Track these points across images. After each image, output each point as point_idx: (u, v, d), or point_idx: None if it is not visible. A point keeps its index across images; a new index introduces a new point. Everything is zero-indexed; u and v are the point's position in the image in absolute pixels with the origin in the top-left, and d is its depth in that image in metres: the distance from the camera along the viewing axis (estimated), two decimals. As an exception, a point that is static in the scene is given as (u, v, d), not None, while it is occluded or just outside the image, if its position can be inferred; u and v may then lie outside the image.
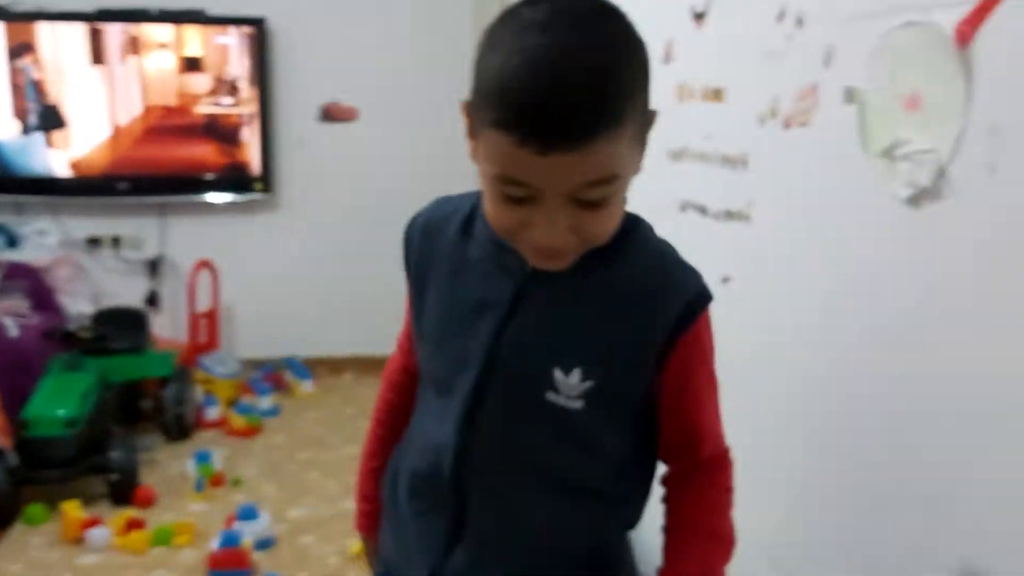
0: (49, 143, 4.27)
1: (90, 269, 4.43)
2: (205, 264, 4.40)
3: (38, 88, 4.22)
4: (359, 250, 4.62)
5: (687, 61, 1.97)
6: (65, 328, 3.49)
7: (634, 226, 1.00)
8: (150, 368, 3.76)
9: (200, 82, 4.42)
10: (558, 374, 0.97)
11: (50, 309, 3.93)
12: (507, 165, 0.84)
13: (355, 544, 2.87)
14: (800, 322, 1.52)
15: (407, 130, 4.57)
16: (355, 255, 4.64)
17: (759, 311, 1.62)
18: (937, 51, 1.12)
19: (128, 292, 4.38)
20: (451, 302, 1.04)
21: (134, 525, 2.93)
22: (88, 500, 3.12)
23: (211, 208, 4.52)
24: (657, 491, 1.09)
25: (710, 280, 1.00)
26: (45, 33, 4.19)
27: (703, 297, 0.99)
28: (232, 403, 4.12)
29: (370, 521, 1.27)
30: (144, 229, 4.49)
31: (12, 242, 4.15)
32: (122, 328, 3.77)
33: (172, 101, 4.40)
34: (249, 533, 2.84)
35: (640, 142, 0.90)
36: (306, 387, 4.40)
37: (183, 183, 4.46)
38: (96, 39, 4.25)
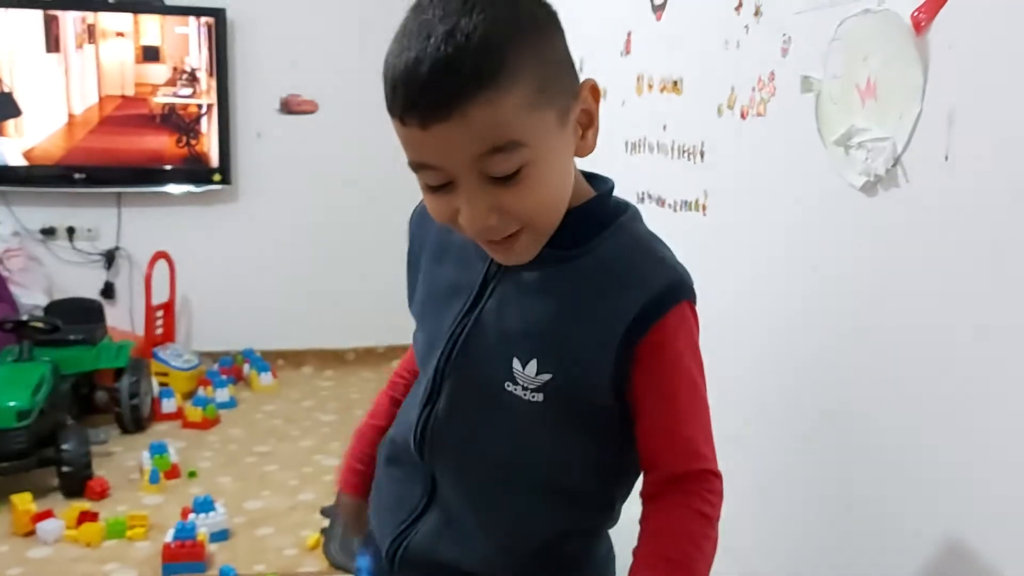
0: (2, 132, 4.20)
1: (44, 260, 4.36)
2: (162, 256, 4.35)
3: (-9, 75, 4.14)
4: (318, 243, 4.61)
5: (646, 53, 1.99)
6: (17, 318, 3.41)
7: (613, 215, 0.98)
8: (104, 360, 3.70)
9: (158, 72, 4.38)
10: (516, 364, 0.95)
11: (2, 300, 3.87)
12: (408, 151, 0.87)
13: (312, 536, 2.86)
14: (759, 312, 1.53)
15: (366, 124, 4.42)
16: (314, 248, 4.62)
17: (718, 303, 1.64)
18: (893, 39, 1.13)
19: (83, 284, 4.31)
20: (432, 284, 1.06)
21: (87, 518, 2.88)
22: (39, 493, 3.07)
23: (168, 199, 4.47)
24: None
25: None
26: (-1, 19, 4.12)
27: (673, 294, 0.94)
28: (189, 396, 4.08)
29: (357, 481, 1.23)
30: (100, 220, 4.43)
31: (-37, 231, 4.07)
32: (77, 319, 3.71)
33: (129, 91, 4.35)
34: (204, 525, 2.81)
35: (553, 111, 0.88)
36: (264, 380, 4.36)
37: (140, 174, 4.41)
38: (52, 26, 4.18)
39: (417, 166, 0.88)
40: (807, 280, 1.38)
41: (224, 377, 4.30)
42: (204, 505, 2.91)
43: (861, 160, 1.20)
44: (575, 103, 0.92)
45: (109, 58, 4.28)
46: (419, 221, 1.12)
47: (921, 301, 1.12)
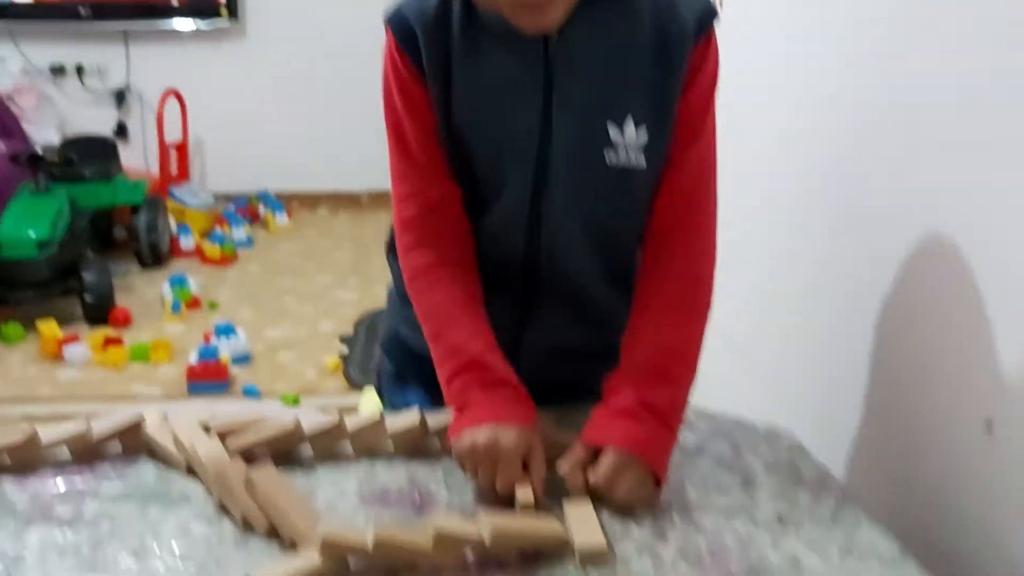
0: (5, -36, 4.08)
1: (55, 99, 4.31)
2: (173, 93, 4.28)
3: (-12, -98, 4.00)
4: (331, 84, 4.51)
5: None
6: (32, 151, 3.41)
7: None
8: (120, 195, 3.71)
9: (161, -100, 4.21)
10: (613, 131, 0.97)
11: (15, 136, 3.84)
12: None
13: (332, 359, 2.93)
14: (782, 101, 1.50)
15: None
16: (327, 89, 4.53)
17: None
18: None
19: (95, 123, 4.26)
20: (479, 86, 0.99)
21: (112, 342, 2.96)
22: (64, 321, 3.13)
23: (177, 37, 4.38)
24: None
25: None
26: None
27: (708, 10, 0.98)
28: (206, 234, 4.10)
29: (519, 396, 0.98)
30: (109, 58, 4.35)
31: (-29, 68, 4.02)
32: (91, 156, 3.70)
33: (131, -79, 4.19)
34: (227, 349, 2.88)
35: None
36: (280, 220, 4.37)
37: (146, 8, 4.31)
38: None
39: None
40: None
41: (240, 217, 4.32)
42: (226, 330, 2.97)
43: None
44: None
45: None
46: (427, 31, 0.98)
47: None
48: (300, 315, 3.36)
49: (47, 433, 1.00)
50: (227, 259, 3.88)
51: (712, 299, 1.02)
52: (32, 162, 3.31)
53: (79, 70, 4.32)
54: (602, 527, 0.87)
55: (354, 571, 0.82)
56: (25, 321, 3.10)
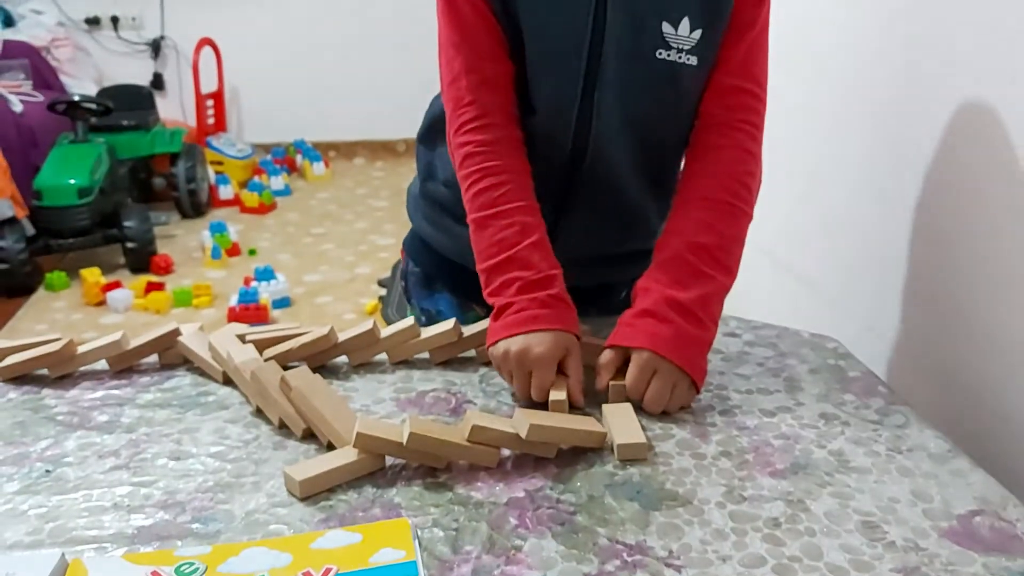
0: (37, -85, 4.08)
1: (91, 50, 4.33)
2: (207, 42, 4.28)
3: None
4: (366, 32, 4.48)
5: None
6: (68, 98, 3.42)
7: None
8: (159, 145, 3.74)
9: None
10: (667, 27, 0.95)
11: (53, 88, 3.87)
12: None
13: (371, 302, 2.93)
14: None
15: None
16: (361, 38, 4.50)
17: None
18: None
19: (132, 74, 4.28)
20: None
21: (154, 287, 2.99)
22: (107, 269, 3.17)
23: (209, -15, 4.37)
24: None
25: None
26: None
27: None
28: (244, 184, 4.11)
29: (557, 299, 0.94)
30: (143, 8, 4.35)
31: (8, 21, 4.04)
32: (128, 105, 3.72)
33: None
34: (267, 292, 2.89)
35: None
36: (317, 169, 4.37)
37: (180, -42, 4.29)
38: None
39: None
40: None
41: (278, 166, 4.32)
42: (265, 274, 2.98)
43: None
44: None
45: None
46: None
47: None
48: (338, 260, 3.37)
49: (85, 345, 1.01)
50: (265, 208, 3.90)
51: (755, 201, 0.99)
52: (70, 111, 3.33)
53: (114, 21, 4.33)
54: (642, 427, 0.86)
55: (390, 468, 0.81)
56: (69, 269, 3.14)
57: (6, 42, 3.74)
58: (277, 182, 4.15)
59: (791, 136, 1.54)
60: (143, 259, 3.21)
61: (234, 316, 2.74)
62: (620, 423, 0.86)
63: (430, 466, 0.81)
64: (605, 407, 0.89)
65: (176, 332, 1.03)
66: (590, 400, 0.91)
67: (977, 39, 1.05)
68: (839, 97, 1.44)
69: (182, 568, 0.65)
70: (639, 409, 0.90)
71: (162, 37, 4.38)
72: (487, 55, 0.99)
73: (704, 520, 0.73)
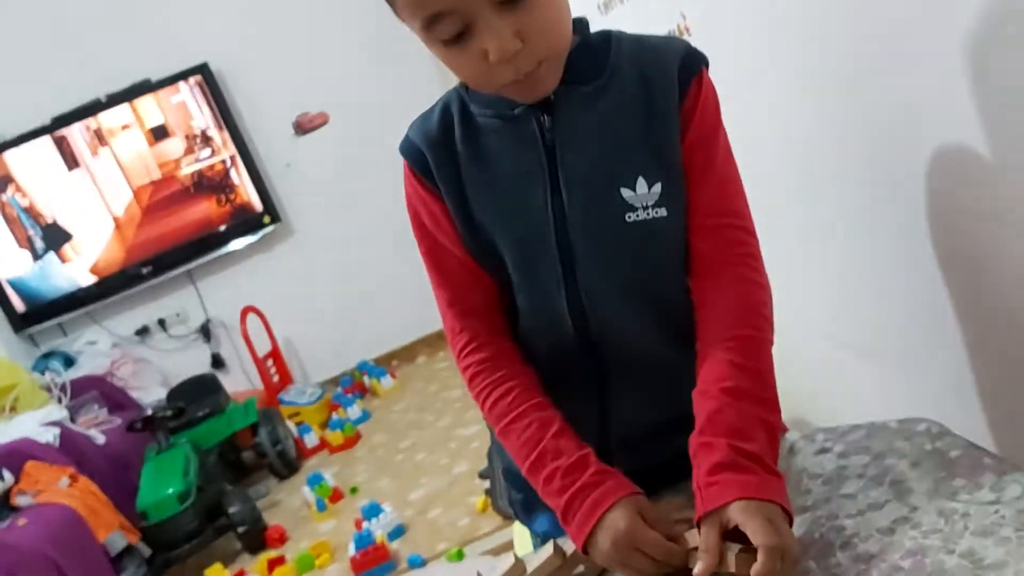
0: (63, 259, 4.36)
1: (150, 357, 4.53)
2: (251, 310, 4.46)
3: (31, 213, 4.31)
4: (383, 239, 4.62)
5: None
6: (144, 415, 3.57)
7: (607, 34, 1.03)
8: (236, 422, 3.84)
9: (173, 147, 4.47)
10: (627, 192, 0.98)
11: (127, 408, 4.04)
12: (420, 8, 0.88)
13: (480, 499, 2.91)
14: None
15: (379, 115, 4.48)
16: (381, 244, 4.64)
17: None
18: None
19: (193, 364, 4.47)
20: (492, 185, 1.02)
21: (276, 563, 3.01)
22: (228, 559, 3.22)
23: (233, 258, 4.59)
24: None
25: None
26: (15, 160, 4.27)
27: (692, 55, 1.00)
28: (325, 425, 4.19)
29: (620, 479, 0.95)
30: (183, 301, 4.58)
31: (70, 362, 4.26)
32: (198, 397, 3.86)
33: (156, 175, 4.46)
34: (379, 528, 2.90)
35: None
36: (386, 384, 4.45)
37: (199, 245, 4.53)
38: (63, 146, 4.31)
39: (432, 20, 0.88)
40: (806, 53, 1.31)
41: (350, 396, 4.41)
42: (372, 511, 2.99)
43: None
44: None
45: (126, 153, 4.39)
46: (433, 149, 1.03)
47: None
48: (434, 466, 3.37)
49: None
50: (351, 440, 3.95)
51: (773, 323, 0.98)
52: (147, 425, 3.46)
53: (161, 323, 4.54)
54: None
55: None
56: (196, 574, 3.19)
57: (73, 382, 3.93)
58: (354, 411, 4.22)
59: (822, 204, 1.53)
60: (257, 538, 3.26)
61: (357, 564, 2.74)
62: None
63: None
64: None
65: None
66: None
67: None
68: (865, 175, 1.44)
69: None
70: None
71: (208, 320, 4.58)
72: (465, 287, 1.06)
73: None
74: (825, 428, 1.10)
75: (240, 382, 4.52)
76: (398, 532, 2.93)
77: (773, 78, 1.47)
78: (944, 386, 1.28)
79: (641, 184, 0.97)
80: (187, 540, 3.19)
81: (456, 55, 0.91)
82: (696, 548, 0.86)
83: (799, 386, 1.54)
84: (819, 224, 1.54)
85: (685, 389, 1.01)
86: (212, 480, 3.46)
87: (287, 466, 3.85)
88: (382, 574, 2.72)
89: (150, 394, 4.21)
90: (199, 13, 4.41)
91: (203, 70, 4.40)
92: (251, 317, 4.46)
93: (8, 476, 3.09)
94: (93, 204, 4.36)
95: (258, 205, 4.53)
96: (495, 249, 1.03)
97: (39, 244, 4.33)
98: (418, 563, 2.69)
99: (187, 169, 4.47)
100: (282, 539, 3.25)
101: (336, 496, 3.40)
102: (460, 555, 2.66)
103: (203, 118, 4.45)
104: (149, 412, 3.59)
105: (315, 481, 3.46)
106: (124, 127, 4.38)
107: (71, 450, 3.36)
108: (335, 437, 3.96)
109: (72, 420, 3.61)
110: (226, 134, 4.46)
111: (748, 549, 0.84)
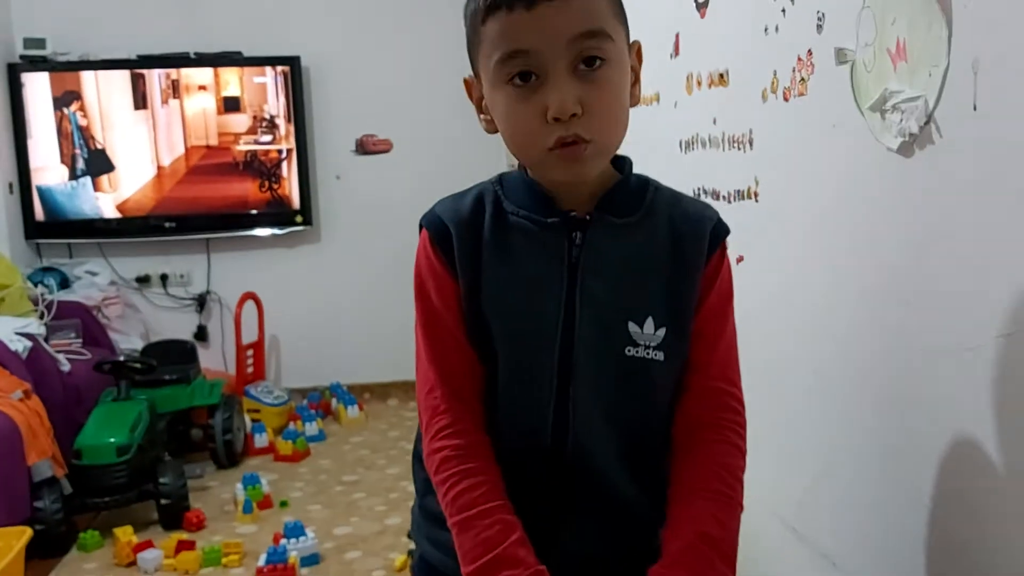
0: (97, 187, 4.43)
1: (140, 306, 4.57)
2: (250, 297, 4.50)
3: (84, 134, 4.39)
4: (400, 279, 4.66)
5: (693, 51, 2.01)
6: (115, 359, 3.58)
7: (646, 179, 1.09)
8: (198, 397, 3.84)
9: (239, 121, 4.56)
10: (633, 328, 1.02)
11: (102, 345, 4.05)
12: (504, 42, 0.95)
13: (400, 557, 2.90)
14: (813, 287, 1.52)
15: (438, 158, 4.60)
16: (396, 284, 4.65)
17: (774, 286, 1.63)
18: (917, -2, 1.13)
19: (177, 327, 4.51)
20: (506, 280, 1.04)
21: (184, 547, 2.98)
22: (140, 526, 3.19)
23: (255, 242, 4.64)
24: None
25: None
26: (89, 81, 4.37)
27: (722, 224, 1.08)
28: (280, 431, 4.19)
29: None
30: (191, 266, 4.62)
31: (65, 283, 4.29)
32: (171, 360, 3.87)
33: (213, 141, 4.54)
34: (295, 550, 2.88)
35: (624, 32, 1.00)
36: (352, 413, 4.45)
37: (227, 219, 4.59)
38: (139, 84, 4.41)
39: (511, 56, 0.95)
40: (855, 249, 1.37)
41: (313, 411, 4.41)
42: (295, 530, 2.98)
43: (896, 122, 1.20)
44: (631, 49, 1.02)
45: (193, 111, 4.49)
46: (460, 227, 1.05)
47: (963, 250, 1.10)
48: (369, 510, 3.36)
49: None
50: (299, 455, 3.94)
51: (743, 493, 1.03)
52: (114, 370, 3.47)
53: (163, 279, 4.58)
54: None
55: None
56: (102, 527, 3.16)
57: (60, 303, 3.95)
58: (312, 428, 4.22)
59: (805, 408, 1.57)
60: (176, 515, 3.23)
61: (262, 576, 2.72)
62: None
63: None
64: None
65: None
66: None
67: None
68: (850, 372, 1.48)
69: None
70: None
71: (208, 292, 4.61)
72: (458, 369, 1.06)
73: None
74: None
75: (215, 361, 4.53)
76: (312, 560, 2.91)
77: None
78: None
79: (649, 324, 1.02)
80: (110, 493, 3.17)
81: (517, 100, 0.97)
82: None
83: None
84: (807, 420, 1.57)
85: (634, 530, 1.04)
86: (155, 445, 3.45)
87: (230, 457, 3.84)
88: (282, 595, 2.69)
89: (128, 341, 4.22)
90: (310, 10, 4.56)
91: (293, 62, 4.51)
92: (249, 304, 4.50)
93: (-32, 370, 3.10)
94: (145, 147, 4.45)
95: (296, 202, 4.60)
96: (492, 342, 1.05)
97: (80, 165, 4.40)
98: (319, 597, 2.67)
99: (243, 146, 4.56)
100: (199, 525, 3.22)
101: (265, 503, 3.38)
102: (362, 604, 2.64)
103: (276, 105, 4.55)
104: (121, 358, 3.60)
105: (251, 481, 3.45)
106: (201, 87, 4.49)
107: (34, 367, 3.37)
108: (285, 446, 3.95)
109: (46, 340, 3.62)
110: (292, 128, 4.56)
111: None
